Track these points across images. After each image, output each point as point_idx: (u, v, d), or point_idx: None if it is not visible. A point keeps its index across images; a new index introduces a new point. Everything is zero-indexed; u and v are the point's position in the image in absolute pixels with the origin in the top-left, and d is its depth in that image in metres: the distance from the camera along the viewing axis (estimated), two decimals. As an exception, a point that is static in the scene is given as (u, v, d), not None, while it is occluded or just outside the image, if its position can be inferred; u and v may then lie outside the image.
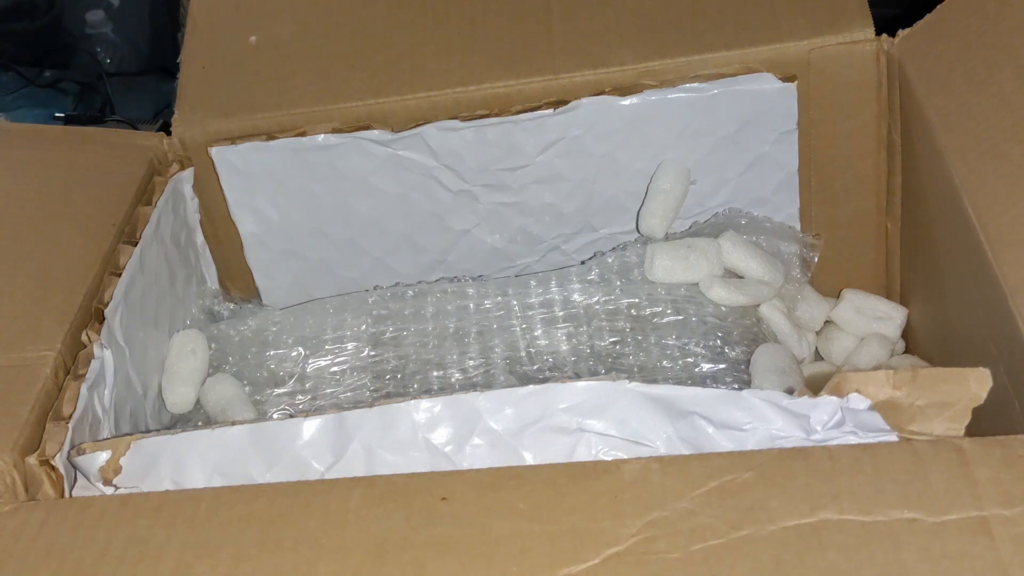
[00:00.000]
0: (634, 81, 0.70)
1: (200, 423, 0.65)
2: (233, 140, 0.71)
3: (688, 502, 0.42)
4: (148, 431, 0.62)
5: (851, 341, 0.72)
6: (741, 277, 0.67)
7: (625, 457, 0.47)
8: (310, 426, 0.48)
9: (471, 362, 0.64)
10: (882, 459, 0.43)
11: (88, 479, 0.50)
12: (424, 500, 0.44)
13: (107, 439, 0.54)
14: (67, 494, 0.51)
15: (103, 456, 0.50)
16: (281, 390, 0.66)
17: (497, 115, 0.70)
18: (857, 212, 0.73)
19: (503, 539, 0.42)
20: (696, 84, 0.69)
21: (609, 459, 0.47)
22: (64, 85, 1.16)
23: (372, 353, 0.66)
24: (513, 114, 0.70)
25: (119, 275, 0.61)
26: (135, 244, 0.64)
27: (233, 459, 0.49)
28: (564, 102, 0.70)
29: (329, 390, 0.65)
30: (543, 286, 0.67)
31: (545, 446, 0.48)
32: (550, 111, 0.70)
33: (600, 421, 0.47)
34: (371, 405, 0.48)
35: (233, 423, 0.49)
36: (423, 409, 0.48)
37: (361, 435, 0.48)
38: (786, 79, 0.67)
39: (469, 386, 0.63)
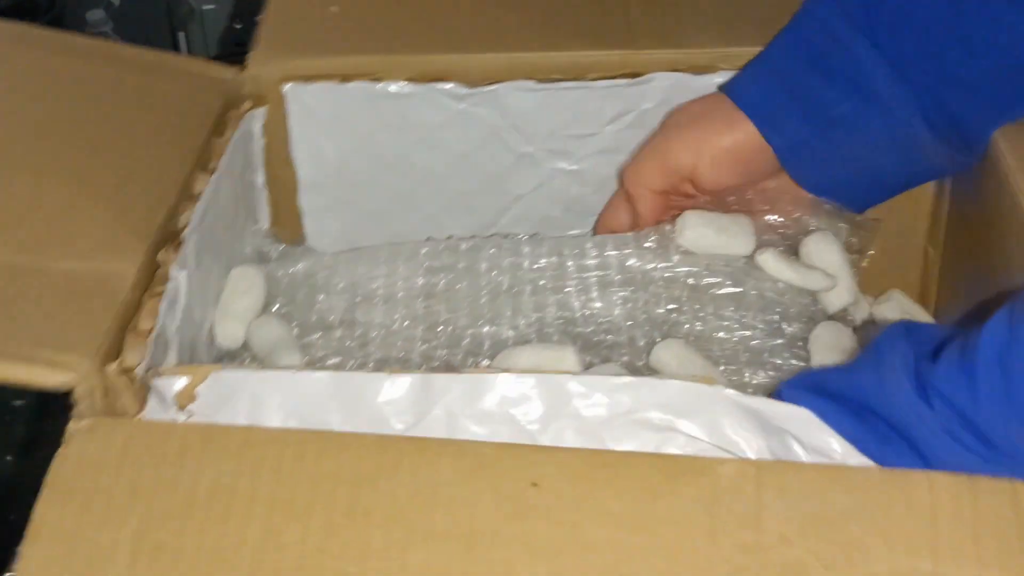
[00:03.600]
0: (710, 63, 0.68)
1: (247, 361, 0.62)
2: (307, 79, 0.68)
3: (783, 525, 0.40)
4: (203, 363, 0.60)
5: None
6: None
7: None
8: (395, 383, 0.46)
9: (523, 320, 0.62)
10: (984, 500, 0.41)
11: (163, 403, 0.48)
12: (514, 483, 0.42)
13: (186, 365, 0.52)
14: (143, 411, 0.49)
15: (181, 381, 0.47)
16: (330, 335, 0.63)
17: (573, 79, 0.69)
18: (899, 231, 0.71)
19: (595, 547, 0.40)
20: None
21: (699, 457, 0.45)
22: None
23: (424, 304, 0.64)
24: (589, 80, 0.69)
25: (194, 201, 0.59)
26: (209, 172, 0.61)
27: (312, 405, 0.46)
28: (639, 74, 0.69)
29: (379, 338, 0.63)
30: (599, 248, 0.65)
31: (633, 440, 0.46)
32: (625, 81, 0.69)
33: (692, 423, 0.46)
34: (459, 371, 0.47)
35: (317, 368, 0.47)
36: (511, 384, 0.46)
37: (446, 400, 0.46)
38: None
39: (522, 343, 0.61)
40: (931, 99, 0.61)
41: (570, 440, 0.45)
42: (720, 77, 0.68)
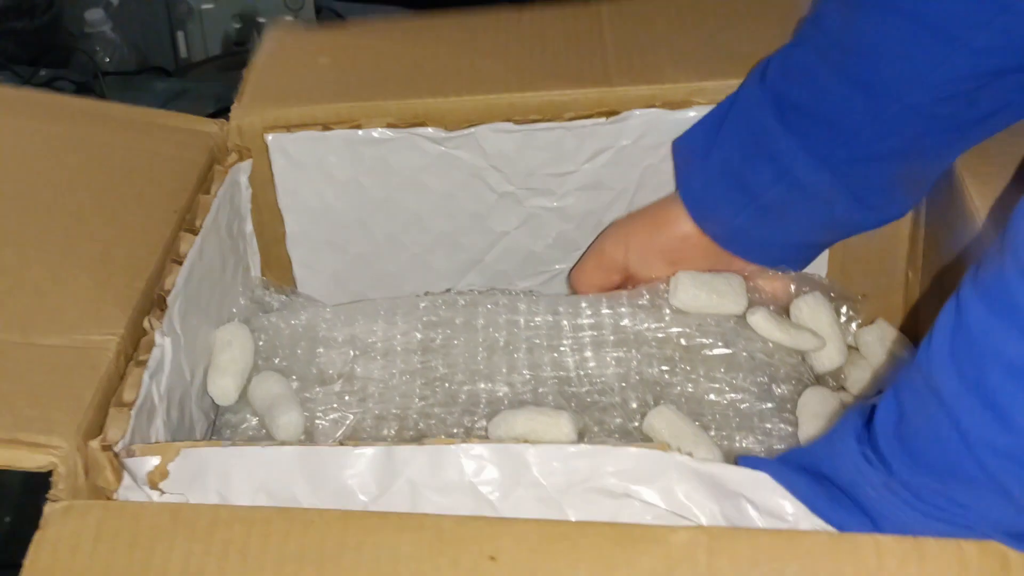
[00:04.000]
0: (685, 98, 0.69)
1: (248, 416, 0.64)
2: (289, 128, 0.69)
3: None
4: (193, 423, 0.62)
5: (867, 374, 0.71)
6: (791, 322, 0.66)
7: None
8: (359, 456, 0.47)
9: (518, 377, 0.63)
10: (930, 561, 0.42)
11: (135, 481, 0.49)
12: (473, 556, 0.43)
13: (157, 443, 0.53)
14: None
15: (152, 461, 0.49)
16: (329, 389, 0.64)
17: (550, 120, 0.70)
18: (880, 256, 0.72)
19: None
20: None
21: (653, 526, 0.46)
22: (60, 84, 1.13)
23: (421, 359, 0.65)
24: (565, 120, 0.70)
25: (179, 263, 0.60)
26: (194, 232, 0.62)
27: (280, 479, 0.48)
28: (616, 112, 0.69)
29: (377, 393, 0.63)
30: (593, 308, 0.66)
31: (590, 507, 0.47)
32: (602, 119, 0.69)
33: (647, 489, 0.46)
34: (421, 442, 0.47)
35: (283, 443, 0.48)
36: (472, 454, 0.47)
37: (408, 471, 0.47)
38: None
39: (517, 402, 0.62)
40: (854, 176, 0.62)
41: (530, 509, 0.46)
42: (695, 112, 0.69)
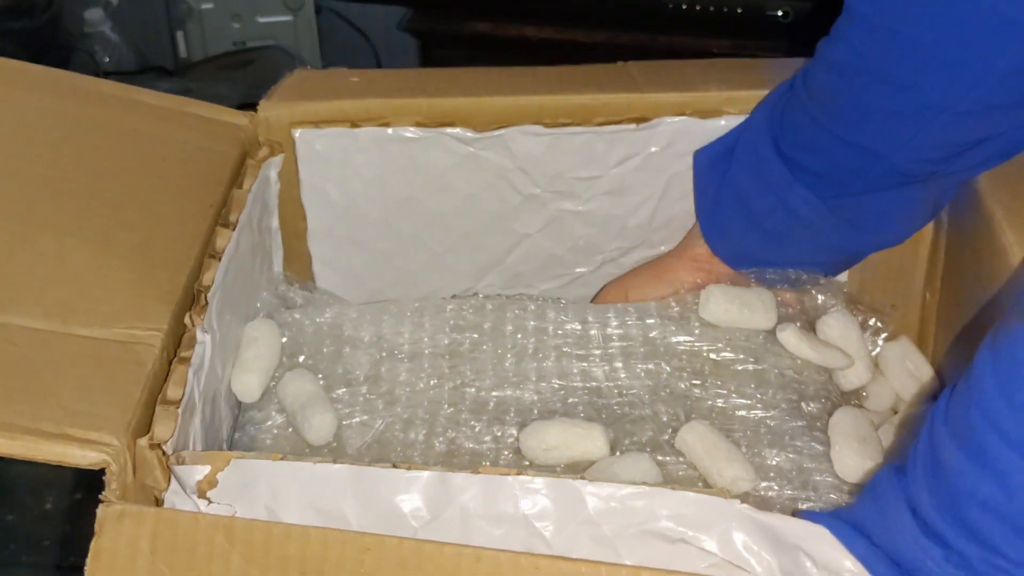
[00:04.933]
0: (716, 107, 0.69)
1: (274, 414, 0.62)
2: (317, 124, 0.68)
3: None
4: (221, 421, 0.60)
5: (887, 391, 0.71)
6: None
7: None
8: (413, 480, 0.46)
9: (546, 385, 0.63)
10: None
11: (184, 488, 0.48)
12: None
13: (207, 452, 0.52)
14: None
15: (202, 470, 0.47)
16: (356, 391, 0.63)
17: (580, 124, 0.69)
18: (899, 275, 0.72)
19: None
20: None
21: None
22: None
23: (449, 364, 0.64)
24: (595, 125, 0.69)
25: (217, 258, 0.59)
26: (230, 227, 0.61)
27: (331, 497, 0.47)
28: (646, 119, 0.69)
29: (405, 397, 0.62)
30: (621, 318, 0.66)
31: (645, 550, 0.46)
32: (632, 125, 0.69)
33: (705, 536, 0.45)
34: (476, 471, 0.46)
35: (335, 461, 0.47)
36: (529, 488, 0.46)
37: (463, 499, 0.46)
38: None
39: (547, 411, 0.61)
40: (849, 209, 0.63)
41: (584, 547, 0.45)
42: (725, 121, 0.69)
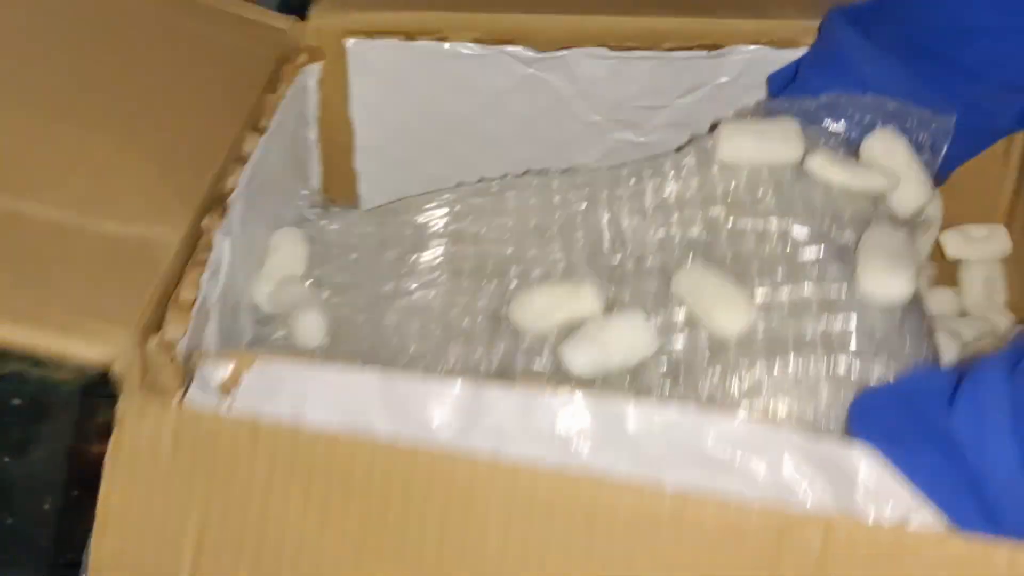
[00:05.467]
0: (794, 37, 0.64)
1: (279, 326, 0.59)
2: (371, 35, 0.65)
3: None
4: (242, 333, 0.58)
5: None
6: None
7: (769, 501, 0.41)
8: (444, 391, 0.43)
9: (550, 258, 0.58)
10: None
11: (205, 387, 0.45)
12: (565, 521, 0.40)
13: (231, 351, 0.49)
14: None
15: (226, 368, 0.44)
16: (368, 290, 0.60)
17: (647, 48, 0.65)
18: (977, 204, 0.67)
19: None
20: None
21: (760, 507, 0.40)
22: None
23: (452, 249, 0.61)
24: (664, 50, 0.65)
25: (243, 162, 0.56)
26: (259, 132, 0.58)
27: (357, 404, 0.43)
28: (719, 46, 0.65)
29: (413, 287, 0.60)
30: (635, 175, 0.60)
31: (688, 473, 0.41)
32: (703, 52, 0.65)
33: (752, 461, 0.41)
34: (513, 386, 0.43)
35: (364, 366, 0.44)
36: (566, 403, 0.42)
37: (496, 414, 0.42)
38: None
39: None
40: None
41: (624, 468, 0.41)
42: (802, 52, 0.64)
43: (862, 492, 0.40)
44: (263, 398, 0.43)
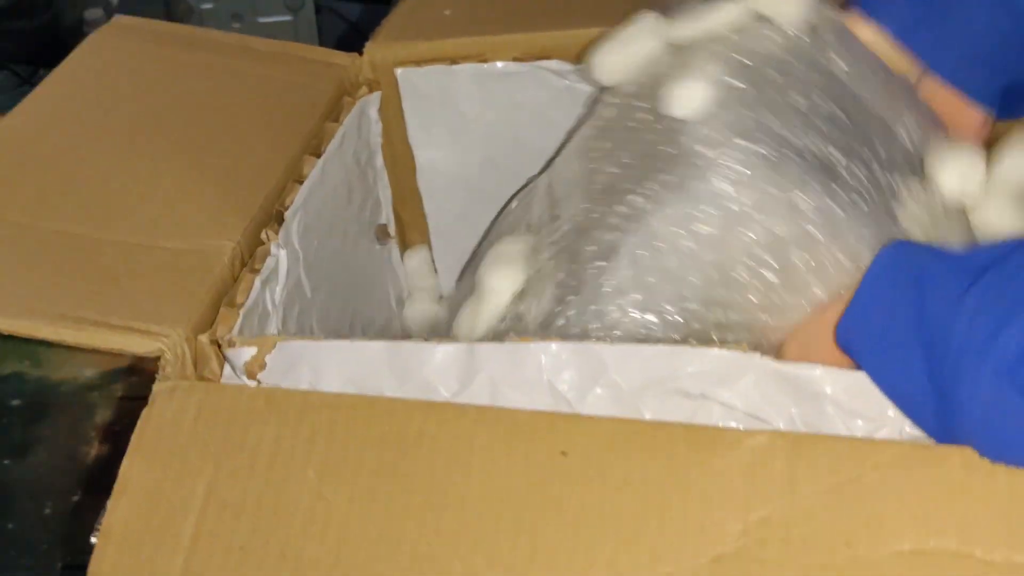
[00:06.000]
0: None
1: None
2: (419, 63, 0.70)
3: (807, 498, 0.40)
4: (313, 334, 0.63)
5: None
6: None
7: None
8: (441, 352, 0.47)
9: None
10: (1020, 482, 0.39)
11: (235, 371, 0.51)
12: (545, 451, 0.43)
13: (255, 337, 0.54)
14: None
15: (250, 351, 0.50)
16: None
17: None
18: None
19: (616, 517, 0.41)
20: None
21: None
22: None
23: None
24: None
25: (301, 183, 0.62)
26: (319, 156, 0.64)
27: (367, 372, 0.48)
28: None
29: None
30: None
31: (666, 407, 0.45)
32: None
33: (726, 391, 0.45)
34: (502, 341, 0.47)
35: (371, 339, 0.49)
36: (550, 353, 0.46)
37: (488, 368, 0.47)
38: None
39: None
40: None
41: (607, 408, 0.45)
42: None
43: (831, 411, 0.43)
44: (285, 375, 0.49)
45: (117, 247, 0.55)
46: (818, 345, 0.48)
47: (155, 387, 0.48)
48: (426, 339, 0.47)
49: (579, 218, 0.54)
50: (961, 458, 0.40)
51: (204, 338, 0.51)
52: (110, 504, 0.45)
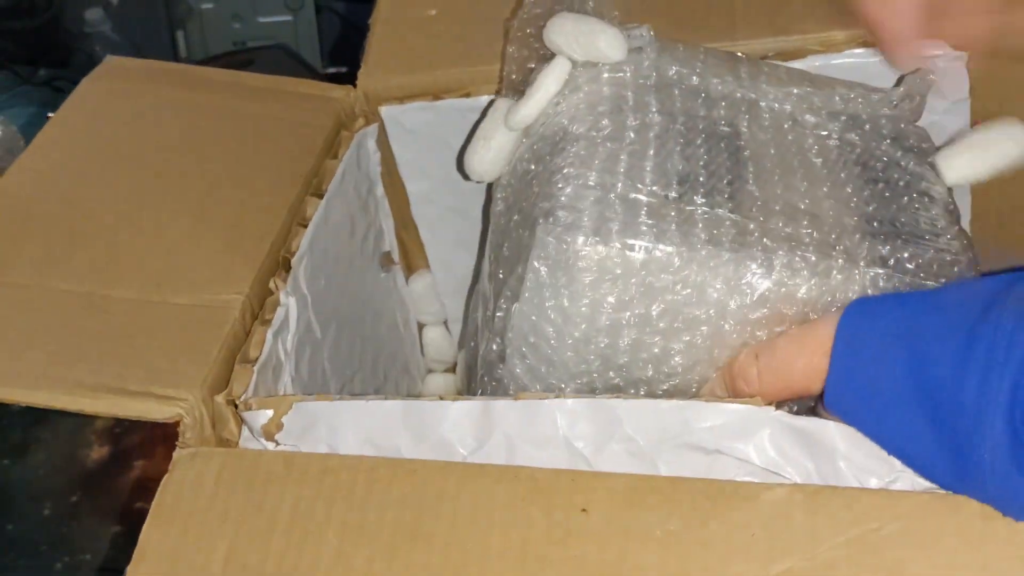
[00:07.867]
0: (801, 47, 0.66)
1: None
2: (401, 99, 0.70)
3: (828, 550, 0.41)
4: (327, 379, 0.64)
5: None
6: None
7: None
8: (456, 410, 0.48)
9: None
10: None
11: (252, 433, 0.51)
12: (564, 508, 0.44)
13: (271, 397, 0.54)
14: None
15: (267, 414, 0.50)
16: None
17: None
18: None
19: (638, 573, 0.42)
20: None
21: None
22: (60, 84, 1.13)
23: None
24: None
25: (305, 226, 0.62)
26: (321, 196, 0.64)
27: (384, 431, 0.49)
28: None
29: None
30: None
31: (682, 462, 0.46)
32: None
33: (741, 445, 0.45)
34: (516, 398, 0.47)
35: (386, 398, 0.49)
36: (565, 409, 0.47)
37: (504, 425, 0.47)
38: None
39: None
40: None
41: (623, 463, 0.45)
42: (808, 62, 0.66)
43: (843, 466, 0.44)
44: (303, 436, 0.49)
45: (126, 305, 0.55)
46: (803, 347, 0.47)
47: (175, 455, 0.49)
48: (441, 397, 0.48)
49: (486, 328, 0.55)
50: (980, 507, 0.40)
51: (220, 399, 0.51)
52: (129, 571, 0.46)
